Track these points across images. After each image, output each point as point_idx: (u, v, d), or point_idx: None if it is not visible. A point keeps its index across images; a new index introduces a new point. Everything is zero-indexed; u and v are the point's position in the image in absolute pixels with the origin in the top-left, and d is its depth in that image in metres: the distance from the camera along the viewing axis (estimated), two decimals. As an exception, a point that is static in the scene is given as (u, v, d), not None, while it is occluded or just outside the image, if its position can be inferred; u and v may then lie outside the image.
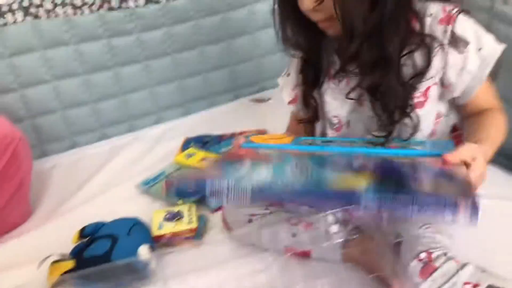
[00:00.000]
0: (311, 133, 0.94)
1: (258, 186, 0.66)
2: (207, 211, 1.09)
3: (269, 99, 1.60)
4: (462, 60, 0.76)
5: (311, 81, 0.87)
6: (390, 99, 0.77)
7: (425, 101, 0.79)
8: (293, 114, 0.98)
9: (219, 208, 1.09)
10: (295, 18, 0.79)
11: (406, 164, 0.69)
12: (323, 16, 0.76)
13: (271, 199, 0.79)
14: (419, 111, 0.78)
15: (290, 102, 0.95)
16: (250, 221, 0.93)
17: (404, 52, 0.75)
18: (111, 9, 1.36)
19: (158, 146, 1.42)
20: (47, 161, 1.41)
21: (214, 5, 1.47)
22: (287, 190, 0.66)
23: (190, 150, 1.30)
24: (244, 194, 0.66)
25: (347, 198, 0.64)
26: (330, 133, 0.89)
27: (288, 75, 0.95)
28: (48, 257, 0.96)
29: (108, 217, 1.04)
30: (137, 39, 1.43)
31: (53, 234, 1.10)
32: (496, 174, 1.01)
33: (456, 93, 0.79)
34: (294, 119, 0.97)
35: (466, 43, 0.75)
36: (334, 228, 0.87)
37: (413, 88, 0.77)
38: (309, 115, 0.90)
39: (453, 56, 0.75)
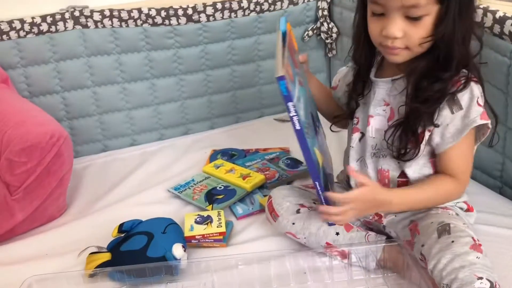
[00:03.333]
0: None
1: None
2: (233, 218, 1.17)
3: (292, 119, 1.68)
4: (450, 118, 0.90)
5: (358, 90, 1.03)
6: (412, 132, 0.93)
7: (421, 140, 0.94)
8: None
9: (243, 216, 1.17)
10: (363, 40, 0.96)
11: None
12: (402, 45, 0.89)
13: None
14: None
15: (332, 87, 1.15)
16: (298, 211, 1.03)
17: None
18: (154, 24, 1.46)
19: (186, 156, 1.50)
20: (80, 161, 1.48)
21: (248, 28, 1.57)
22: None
23: (218, 161, 1.38)
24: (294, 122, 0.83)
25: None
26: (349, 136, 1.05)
27: (346, 67, 1.13)
28: (86, 248, 1.04)
29: (140, 217, 1.11)
30: (174, 54, 1.52)
31: (88, 228, 1.18)
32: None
33: (433, 142, 0.92)
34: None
35: (459, 107, 0.89)
36: (372, 236, 0.97)
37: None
38: (348, 113, 1.06)
39: (445, 112, 0.90)
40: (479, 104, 0.90)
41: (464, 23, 0.87)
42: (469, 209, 1.02)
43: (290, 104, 0.81)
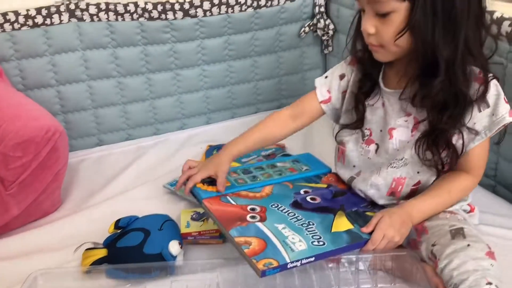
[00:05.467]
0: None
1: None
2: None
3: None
4: (478, 117, 0.89)
5: (365, 91, 0.99)
6: (444, 141, 0.91)
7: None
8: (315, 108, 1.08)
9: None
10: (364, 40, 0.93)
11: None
12: (376, 42, 0.89)
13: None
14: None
15: (322, 102, 1.07)
16: None
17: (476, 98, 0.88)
18: (150, 18, 1.45)
19: (182, 151, 1.50)
20: (74, 155, 1.47)
21: (245, 24, 1.56)
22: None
23: (214, 157, 1.38)
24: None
25: (358, 245, 0.89)
26: (361, 146, 1.02)
27: (326, 77, 1.07)
28: (82, 244, 1.04)
29: (136, 213, 1.11)
30: (171, 49, 1.51)
31: (83, 224, 1.17)
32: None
33: (458, 142, 0.91)
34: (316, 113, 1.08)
35: (487, 105, 0.89)
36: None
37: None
38: (355, 119, 1.02)
39: (474, 111, 0.89)
40: (506, 101, 0.89)
41: (448, 23, 0.82)
42: (471, 210, 1.01)
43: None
